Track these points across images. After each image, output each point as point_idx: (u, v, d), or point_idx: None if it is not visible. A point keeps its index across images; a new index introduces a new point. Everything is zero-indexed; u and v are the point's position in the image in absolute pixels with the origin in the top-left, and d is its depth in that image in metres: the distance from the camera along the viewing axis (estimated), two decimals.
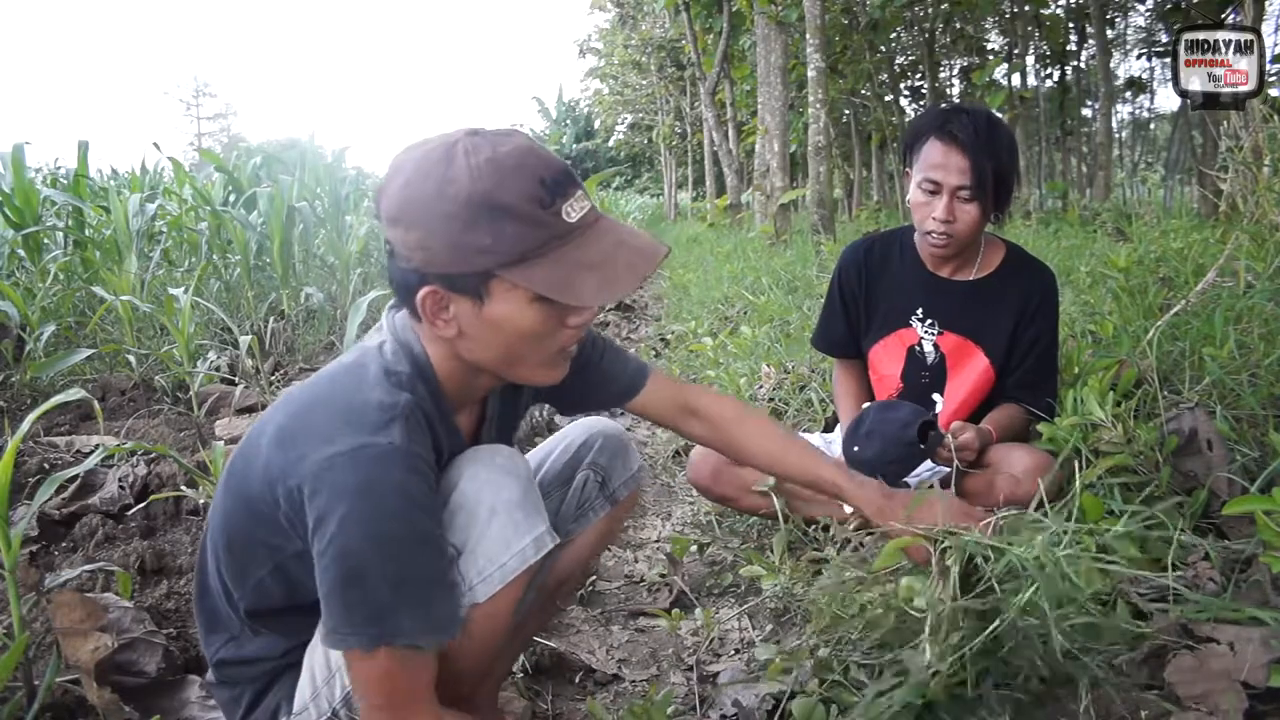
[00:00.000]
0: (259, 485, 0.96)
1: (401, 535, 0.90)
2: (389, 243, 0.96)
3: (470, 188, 0.89)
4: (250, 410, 2.93)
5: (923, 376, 1.90)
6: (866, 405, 1.82)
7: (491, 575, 0.99)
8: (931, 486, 1.76)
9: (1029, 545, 1.09)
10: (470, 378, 1.05)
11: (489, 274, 0.92)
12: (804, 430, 2.46)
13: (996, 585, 1.09)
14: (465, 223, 0.89)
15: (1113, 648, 1.18)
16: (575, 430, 1.38)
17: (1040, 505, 1.47)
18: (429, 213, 0.90)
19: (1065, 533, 1.11)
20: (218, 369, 3.44)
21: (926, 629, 1.09)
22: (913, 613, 1.13)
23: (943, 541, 1.14)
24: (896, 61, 14.55)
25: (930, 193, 1.74)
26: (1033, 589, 1.05)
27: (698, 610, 1.73)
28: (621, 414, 3.28)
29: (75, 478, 1.82)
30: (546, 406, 2.38)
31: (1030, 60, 13.21)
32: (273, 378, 3.48)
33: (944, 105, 1.83)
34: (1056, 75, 14.10)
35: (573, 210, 0.93)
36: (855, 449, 1.69)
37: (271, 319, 4.18)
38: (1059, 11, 12.15)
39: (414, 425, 0.95)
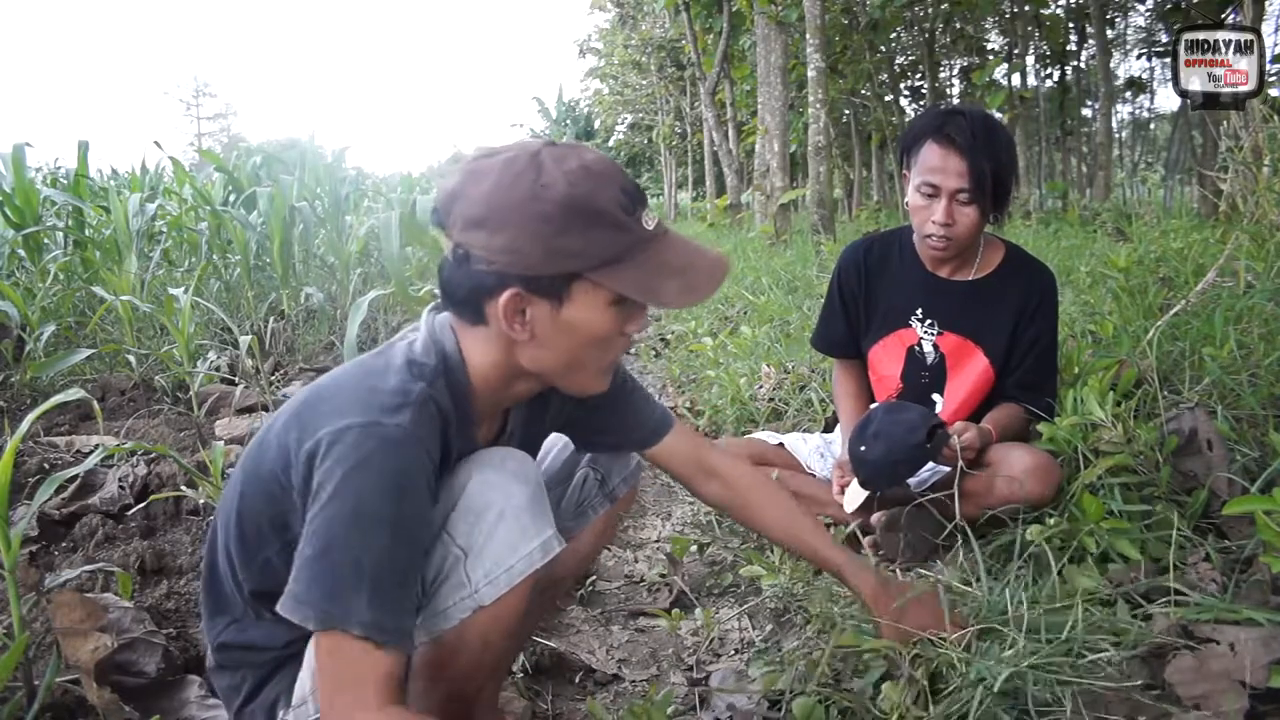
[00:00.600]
0: (272, 464, 0.98)
1: (384, 521, 0.90)
2: (460, 247, 0.96)
3: (567, 191, 0.92)
4: (250, 410, 2.93)
5: (922, 376, 1.90)
6: (875, 406, 1.82)
7: (498, 578, 0.99)
8: (932, 486, 1.76)
9: (998, 661, 1.14)
10: (506, 385, 1.06)
11: (574, 276, 0.95)
12: (804, 430, 2.46)
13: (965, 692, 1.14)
14: (560, 225, 0.92)
15: (1113, 650, 1.18)
16: None
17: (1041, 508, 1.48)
18: (522, 215, 0.92)
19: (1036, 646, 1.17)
20: (218, 369, 3.44)
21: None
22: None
23: (914, 648, 1.20)
24: (896, 61, 14.55)
25: (929, 196, 1.74)
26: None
27: (698, 610, 1.73)
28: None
29: (75, 478, 1.82)
30: None
31: (1030, 60, 13.21)
32: (273, 378, 3.48)
33: (941, 107, 1.83)
34: (1056, 75, 14.09)
35: (648, 220, 0.98)
36: (862, 449, 1.69)
37: (271, 319, 4.18)
38: (1059, 11, 12.15)
39: (426, 415, 0.96)
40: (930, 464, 1.75)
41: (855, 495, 1.76)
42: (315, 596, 0.89)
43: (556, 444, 1.37)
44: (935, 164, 1.71)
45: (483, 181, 0.94)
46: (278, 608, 0.92)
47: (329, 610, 0.89)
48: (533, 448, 1.23)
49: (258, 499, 1.01)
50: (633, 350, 4.90)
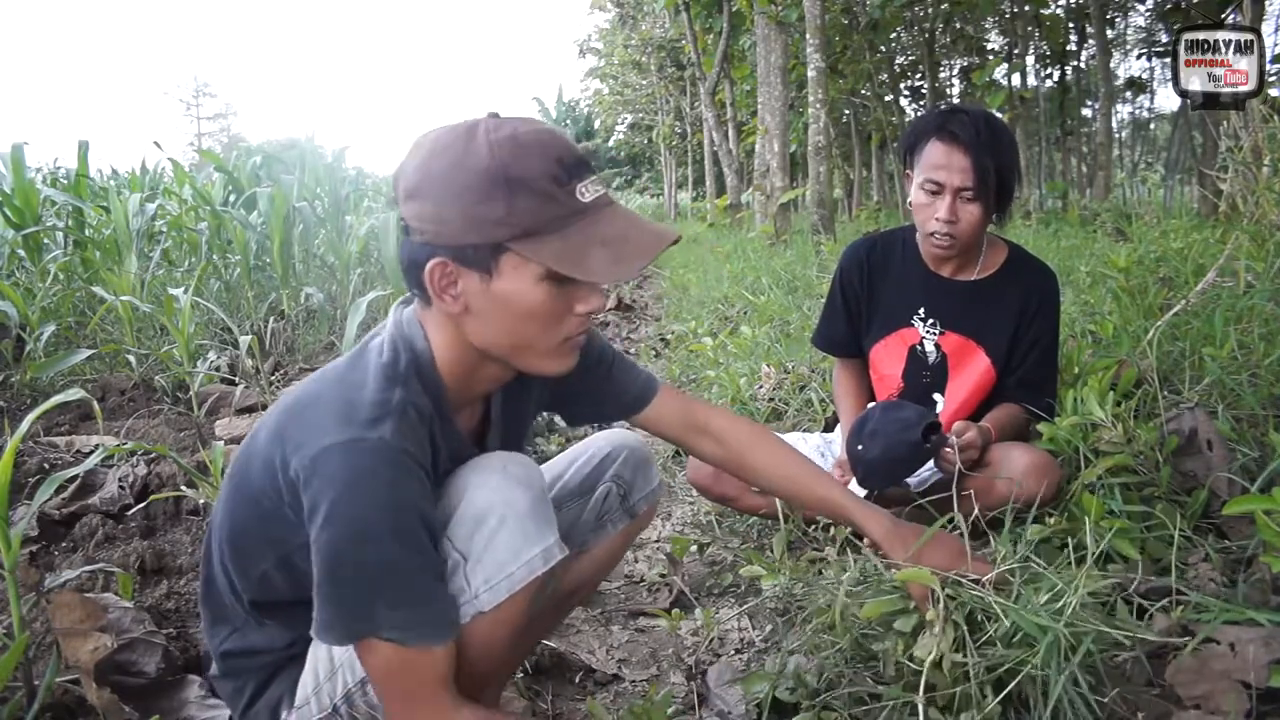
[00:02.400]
0: (260, 478, 0.97)
1: (385, 532, 0.90)
2: (403, 220, 0.97)
3: (489, 161, 0.91)
4: (250, 410, 2.93)
5: (924, 376, 1.90)
6: (871, 405, 1.82)
7: (498, 584, 0.98)
8: (932, 486, 1.76)
9: (1033, 607, 1.09)
10: (475, 368, 1.05)
11: (500, 247, 0.93)
12: (804, 430, 2.46)
13: (1000, 643, 1.10)
14: (481, 194, 0.91)
15: (1113, 650, 1.18)
16: (599, 441, 1.37)
17: (1041, 507, 1.48)
18: (446, 184, 0.92)
19: (1071, 589, 1.11)
20: (218, 369, 3.45)
21: (924, 677, 1.10)
22: (911, 665, 1.13)
23: (945, 588, 1.13)
24: (896, 61, 14.55)
25: (933, 193, 1.74)
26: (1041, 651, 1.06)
27: (698, 610, 1.73)
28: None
29: (75, 478, 1.82)
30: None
31: (1030, 60, 13.22)
32: (273, 378, 3.48)
33: (943, 106, 1.83)
34: (1056, 75, 14.10)
35: (586, 191, 0.95)
36: (859, 448, 1.69)
37: (271, 319, 4.18)
38: (1059, 11, 12.15)
39: (406, 422, 0.95)
40: (931, 464, 1.74)
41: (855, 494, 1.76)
42: (336, 617, 0.91)
43: (579, 457, 1.36)
44: (939, 161, 1.71)
45: (419, 153, 0.95)
46: (311, 633, 0.93)
47: (353, 626, 0.91)
48: (517, 432, 1.22)
49: (248, 515, 1.01)
50: (632, 350, 4.90)
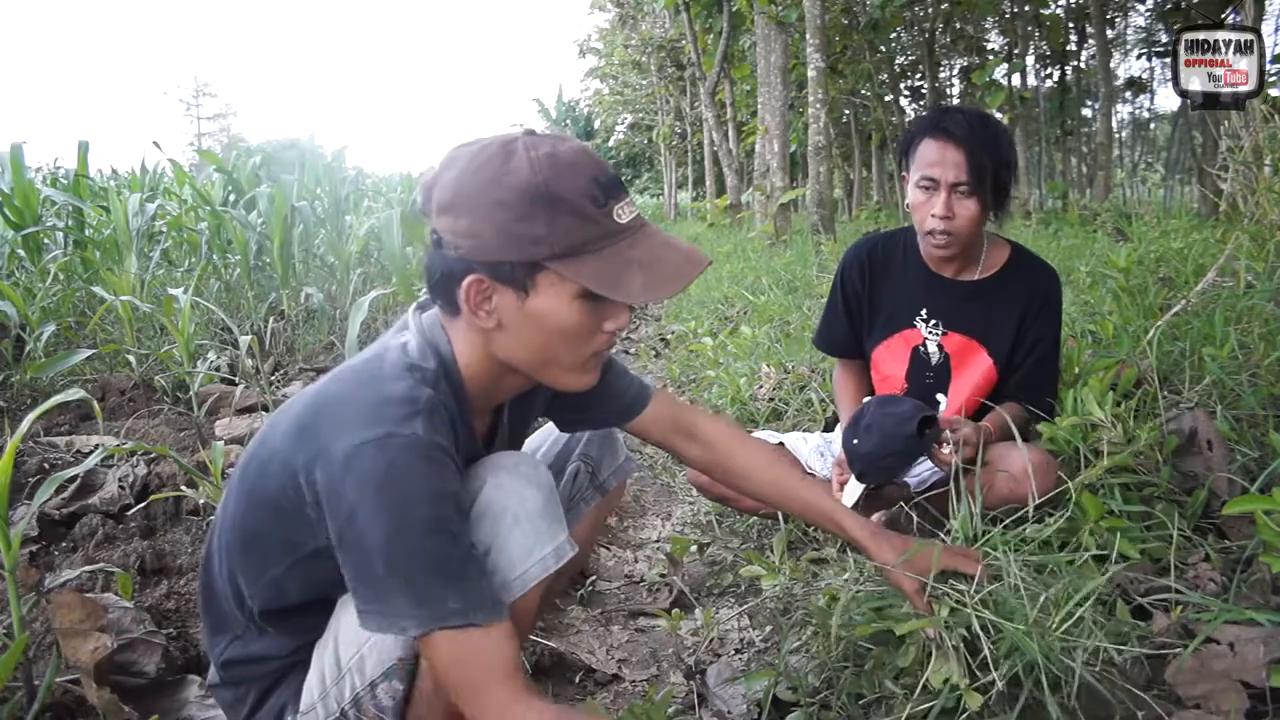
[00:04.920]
0: (278, 480, 0.96)
1: (430, 524, 0.90)
2: (435, 233, 0.97)
3: (529, 178, 0.91)
4: (250, 410, 2.93)
5: (927, 377, 1.89)
6: (867, 399, 1.82)
7: (513, 583, 0.99)
8: (933, 485, 1.76)
9: (1025, 621, 1.11)
10: (497, 379, 1.05)
11: (537, 265, 0.93)
12: (804, 430, 2.46)
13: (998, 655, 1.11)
14: (520, 212, 0.91)
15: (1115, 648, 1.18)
16: None
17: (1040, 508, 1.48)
18: (484, 200, 0.92)
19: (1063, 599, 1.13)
20: (218, 369, 3.44)
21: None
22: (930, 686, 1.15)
23: (939, 595, 1.16)
24: (896, 61, 14.57)
25: (928, 190, 1.73)
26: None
27: (698, 610, 1.73)
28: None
29: (75, 478, 1.82)
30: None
31: (1030, 60, 13.25)
32: (273, 378, 3.49)
33: (938, 106, 1.83)
34: (1056, 75, 14.12)
35: (623, 212, 0.96)
36: (854, 442, 1.69)
37: (271, 319, 4.18)
38: (1059, 11, 12.17)
39: (437, 420, 0.95)
40: (929, 461, 1.74)
41: (853, 490, 1.76)
42: (406, 608, 0.90)
43: (547, 438, 1.38)
44: (933, 158, 1.71)
45: (454, 167, 0.95)
46: (360, 626, 0.93)
47: (425, 613, 0.90)
48: (521, 437, 1.24)
49: (264, 520, 0.99)
50: (632, 350, 4.90)
